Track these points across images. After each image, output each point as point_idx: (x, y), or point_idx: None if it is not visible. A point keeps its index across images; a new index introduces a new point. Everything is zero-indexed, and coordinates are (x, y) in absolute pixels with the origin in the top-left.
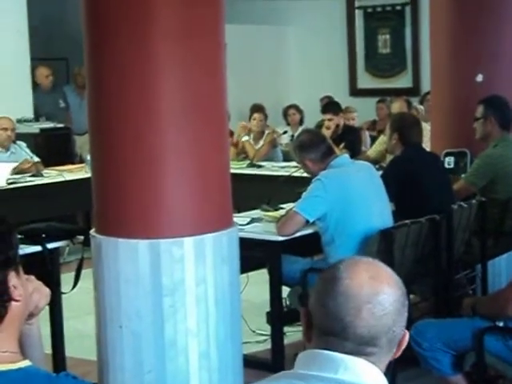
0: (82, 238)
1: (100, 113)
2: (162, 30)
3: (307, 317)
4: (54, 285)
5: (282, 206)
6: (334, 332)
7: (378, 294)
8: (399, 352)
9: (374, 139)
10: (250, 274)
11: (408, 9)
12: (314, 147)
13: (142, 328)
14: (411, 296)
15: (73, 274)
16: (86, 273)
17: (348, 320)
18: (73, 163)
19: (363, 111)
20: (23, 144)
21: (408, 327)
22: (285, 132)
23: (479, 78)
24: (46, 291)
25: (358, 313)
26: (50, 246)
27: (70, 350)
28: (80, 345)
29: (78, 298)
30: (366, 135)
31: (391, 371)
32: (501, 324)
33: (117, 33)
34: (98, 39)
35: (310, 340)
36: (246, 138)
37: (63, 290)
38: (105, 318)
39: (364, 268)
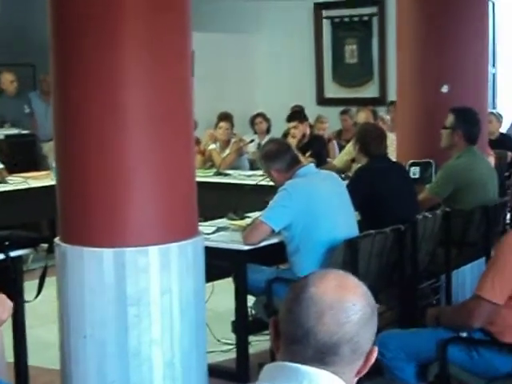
0: (46, 245)
1: (65, 120)
2: (127, 38)
3: (275, 326)
4: (16, 293)
5: (248, 214)
6: (297, 338)
7: (342, 302)
8: (366, 368)
9: (341, 148)
10: (216, 282)
11: (375, 20)
12: (280, 157)
13: (106, 337)
14: (377, 305)
15: (37, 281)
16: (51, 281)
17: (310, 325)
18: (38, 170)
19: (330, 120)
20: None
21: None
22: (252, 140)
23: (444, 88)
24: (9, 304)
25: (320, 318)
26: (13, 253)
27: (34, 359)
28: (44, 354)
29: (42, 306)
30: (335, 145)
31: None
32: (464, 335)
33: (82, 41)
34: (63, 47)
35: (278, 349)
36: (212, 147)
37: (27, 298)
38: (68, 327)
39: (332, 277)
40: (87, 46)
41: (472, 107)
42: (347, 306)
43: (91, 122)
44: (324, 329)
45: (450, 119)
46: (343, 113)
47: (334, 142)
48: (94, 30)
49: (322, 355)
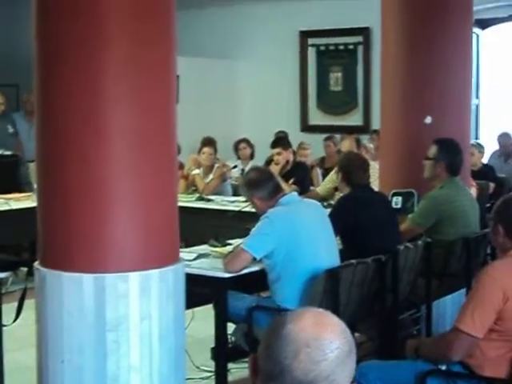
0: (25, 269)
1: (46, 143)
2: (110, 62)
3: (254, 363)
4: None
5: (229, 241)
6: (274, 375)
7: (319, 339)
8: None
9: (324, 176)
10: (196, 309)
11: (360, 48)
12: (262, 185)
13: (84, 362)
14: (356, 335)
15: (15, 304)
16: (30, 303)
17: (286, 363)
18: (20, 191)
19: (314, 148)
20: None
21: None
22: (235, 166)
23: (428, 119)
24: None
25: (296, 356)
26: None
27: (10, 383)
28: (21, 378)
29: (20, 330)
30: (318, 172)
31: None
32: (443, 367)
33: (66, 63)
34: (47, 68)
35: None
36: (196, 172)
37: (5, 321)
38: (46, 352)
39: (310, 315)
40: (69, 70)
41: (454, 138)
42: (324, 343)
43: (73, 146)
44: (300, 366)
45: (433, 150)
46: (327, 139)
47: (318, 169)
48: (77, 54)
49: None
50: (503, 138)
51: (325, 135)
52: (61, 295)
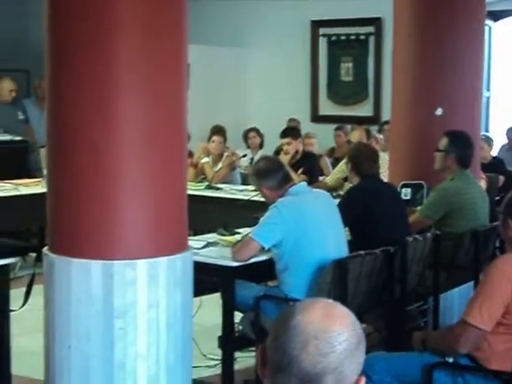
0: (34, 254)
1: (57, 129)
2: (123, 49)
3: (263, 353)
4: (2, 302)
5: (238, 230)
6: (282, 366)
7: (327, 332)
8: None
9: (333, 166)
10: (204, 297)
11: (372, 39)
12: (271, 175)
13: (90, 349)
14: (363, 326)
15: (23, 289)
16: (38, 289)
17: (294, 354)
18: (30, 177)
19: (324, 138)
20: None
21: None
22: (244, 155)
23: (439, 111)
24: None
25: (304, 347)
26: (1, 262)
27: (17, 368)
28: (28, 363)
29: (28, 315)
30: (326, 161)
31: None
32: (450, 360)
33: (77, 52)
34: (58, 53)
35: (264, 377)
36: (205, 160)
37: (13, 306)
38: (53, 338)
39: (319, 306)
40: (80, 58)
41: (465, 131)
42: (332, 336)
43: (83, 132)
44: (308, 358)
45: (444, 142)
46: (337, 129)
47: (326, 158)
48: (89, 40)
49: None
50: (509, 132)
51: (335, 125)
52: (69, 281)
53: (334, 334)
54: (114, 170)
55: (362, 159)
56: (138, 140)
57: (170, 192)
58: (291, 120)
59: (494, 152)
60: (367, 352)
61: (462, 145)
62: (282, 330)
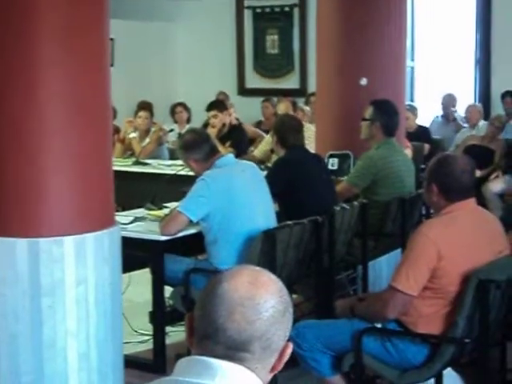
0: None
1: None
2: (44, 26)
3: (191, 322)
4: None
5: (166, 204)
6: (208, 335)
7: (253, 299)
8: (280, 364)
9: None
10: (133, 273)
11: (296, 10)
12: (197, 147)
13: (19, 329)
14: (294, 296)
15: None
16: None
17: (220, 322)
18: None
19: (251, 111)
20: None
21: None
22: (171, 130)
23: (363, 81)
24: None
25: (230, 315)
26: None
27: None
28: None
29: None
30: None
31: None
32: (379, 326)
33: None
34: None
35: (192, 345)
36: (133, 135)
37: None
38: None
39: (246, 273)
40: (4, 36)
41: (390, 101)
42: (258, 303)
43: (3, 110)
44: (233, 326)
45: (370, 111)
46: (265, 101)
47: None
48: (10, 19)
49: (232, 352)
50: (445, 99)
51: (262, 98)
52: None
53: (260, 300)
54: (36, 146)
55: (287, 131)
56: (61, 115)
57: (96, 168)
58: (220, 93)
59: (421, 121)
60: (298, 321)
61: (387, 113)
62: (208, 299)
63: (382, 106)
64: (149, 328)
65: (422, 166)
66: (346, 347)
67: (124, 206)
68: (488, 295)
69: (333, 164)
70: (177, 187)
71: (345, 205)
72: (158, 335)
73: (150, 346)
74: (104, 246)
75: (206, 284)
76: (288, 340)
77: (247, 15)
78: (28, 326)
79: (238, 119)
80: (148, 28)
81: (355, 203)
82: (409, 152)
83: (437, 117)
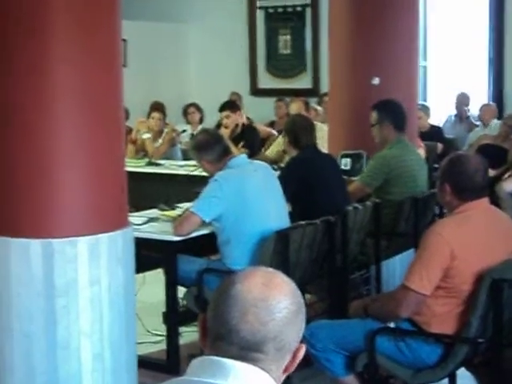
0: None
1: None
2: (55, 25)
3: (204, 323)
4: None
5: (179, 205)
6: (221, 335)
7: (266, 300)
8: (294, 365)
9: None
10: (147, 273)
11: (308, 10)
12: (210, 148)
13: (33, 329)
14: (307, 296)
15: None
16: None
17: (233, 323)
18: None
19: (263, 111)
20: None
21: None
22: (184, 131)
23: (375, 80)
24: None
25: (243, 316)
26: None
27: None
28: None
29: None
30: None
31: None
32: (392, 325)
33: (9, 28)
34: None
35: (205, 346)
36: (146, 136)
37: None
38: None
39: (259, 275)
40: (12, 30)
41: (391, 98)
42: (271, 304)
43: (17, 110)
44: (247, 327)
45: (374, 115)
46: (278, 100)
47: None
48: (23, 19)
49: (245, 352)
50: (459, 98)
51: (274, 99)
52: (8, 262)
53: (273, 302)
54: (51, 147)
55: (298, 131)
56: (75, 115)
57: (109, 168)
58: (233, 94)
59: (434, 121)
60: (311, 321)
61: (391, 110)
62: (222, 300)
63: (384, 107)
64: (162, 328)
65: (435, 166)
66: (359, 347)
67: (137, 207)
68: (501, 294)
69: (345, 164)
70: (190, 188)
71: (357, 204)
72: (172, 336)
73: (163, 346)
74: (117, 247)
75: (218, 284)
76: (301, 341)
77: (259, 15)
78: (42, 327)
79: (248, 118)
80: (160, 29)
81: (368, 203)
82: (422, 152)
83: (450, 116)
